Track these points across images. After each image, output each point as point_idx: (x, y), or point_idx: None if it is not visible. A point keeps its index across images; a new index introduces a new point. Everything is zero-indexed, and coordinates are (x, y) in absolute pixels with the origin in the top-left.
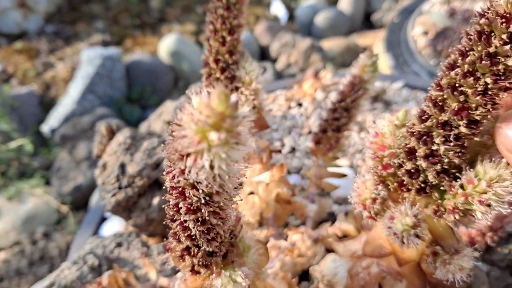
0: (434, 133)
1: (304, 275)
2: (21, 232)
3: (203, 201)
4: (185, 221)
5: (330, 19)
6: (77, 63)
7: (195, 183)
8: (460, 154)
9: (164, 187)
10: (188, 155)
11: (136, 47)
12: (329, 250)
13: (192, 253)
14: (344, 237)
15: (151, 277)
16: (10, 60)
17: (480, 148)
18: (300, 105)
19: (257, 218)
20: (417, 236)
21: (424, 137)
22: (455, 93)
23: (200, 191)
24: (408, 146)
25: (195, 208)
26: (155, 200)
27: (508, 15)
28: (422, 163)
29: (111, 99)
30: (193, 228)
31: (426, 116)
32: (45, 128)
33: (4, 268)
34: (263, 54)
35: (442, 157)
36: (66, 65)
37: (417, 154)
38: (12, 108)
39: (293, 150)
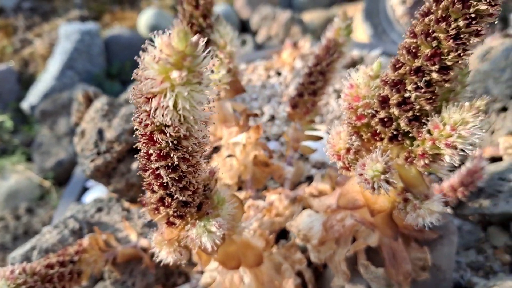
0: (407, 80)
1: (283, 234)
2: (4, 208)
3: (171, 145)
4: (157, 168)
5: None
6: (55, 40)
7: (163, 127)
8: (431, 100)
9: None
10: (153, 96)
11: (115, 23)
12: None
13: (167, 203)
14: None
15: (131, 239)
16: None
17: (449, 95)
18: (279, 74)
19: (235, 180)
20: (387, 181)
21: (398, 85)
22: (428, 39)
23: (168, 135)
24: (382, 95)
25: (164, 154)
26: (134, 165)
27: None
28: (395, 111)
29: (91, 75)
30: (165, 175)
31: (400, 64)
32: (25, 105)
33: None
34: (244, 27)
35: (414, 104)
36: (44, 41)
37: (390, 102)
38: None
39: (272, 118)
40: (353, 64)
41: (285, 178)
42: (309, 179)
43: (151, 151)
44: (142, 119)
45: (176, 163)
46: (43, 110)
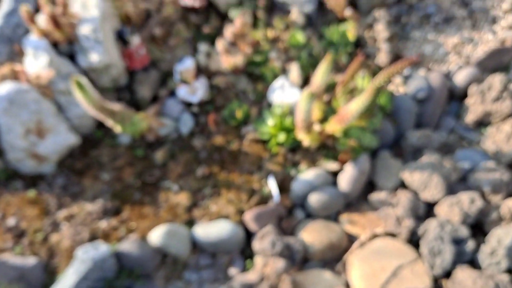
0: None
1: None
2: None
3: None
4: None
5: (322, 202)
6: (79, 234)
7: None
8: None
9: None
10: None
11: (131, 224)
12: None
13: None
14: None
15: None
16: (24, 212)
17: None
18: None
19: None
20: None
21: None
22: None
23: None
24: None
25: None
26: None
27: None
28: None
29: (103, 279)
30: None
31: None
32: None
33: None
34: (249, 240)
35: None
36: (70, 230)
37: None
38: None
39: None
40: None
41: None
42: None
43: None
44: None
45: None
46: None
